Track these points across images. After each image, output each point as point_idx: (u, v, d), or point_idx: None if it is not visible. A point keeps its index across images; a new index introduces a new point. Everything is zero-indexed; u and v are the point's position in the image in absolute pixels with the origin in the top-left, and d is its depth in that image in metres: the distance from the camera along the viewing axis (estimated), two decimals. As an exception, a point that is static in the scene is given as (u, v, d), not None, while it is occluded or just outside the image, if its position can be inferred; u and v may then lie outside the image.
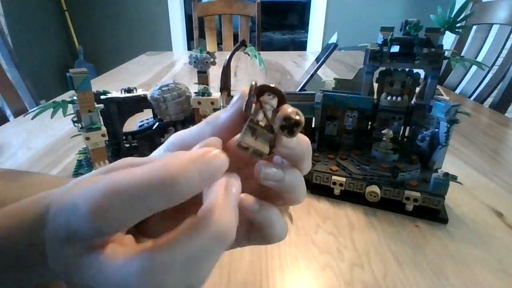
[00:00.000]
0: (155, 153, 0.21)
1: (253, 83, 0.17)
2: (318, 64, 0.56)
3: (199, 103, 0.51)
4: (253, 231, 0.20)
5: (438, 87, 0.47)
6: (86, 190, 0.14)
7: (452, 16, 0.42)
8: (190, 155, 0.14)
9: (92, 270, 0.14)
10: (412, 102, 0.47)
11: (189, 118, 0.53)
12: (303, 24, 4.46)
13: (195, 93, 0.52)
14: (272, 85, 0.17)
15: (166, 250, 0.14)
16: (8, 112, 0.96)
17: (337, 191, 0.46)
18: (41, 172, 0.53)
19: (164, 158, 0.14)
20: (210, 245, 0.14)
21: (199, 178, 0.14)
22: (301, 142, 0.18)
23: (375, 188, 0.43)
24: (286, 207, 0.22)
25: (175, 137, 0.20)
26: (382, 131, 0.45)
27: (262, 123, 0.17)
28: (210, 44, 1.80)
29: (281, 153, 0.18)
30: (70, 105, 0.45)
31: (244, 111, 0.17)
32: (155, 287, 0.13)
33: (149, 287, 0.13)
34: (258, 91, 0.17)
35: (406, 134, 0.50)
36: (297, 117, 0.16)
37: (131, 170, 0.14)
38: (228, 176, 0.16)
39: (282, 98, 0.18)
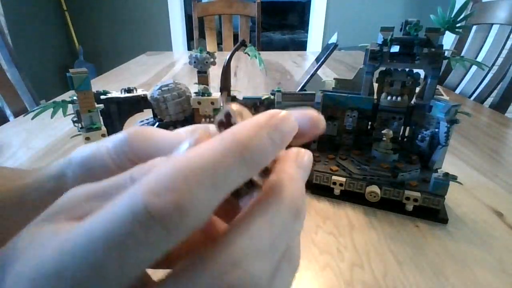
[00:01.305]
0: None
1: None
2: (318, 64, 0.56)
3: (199, 103, 0.51)
4: None
5: (438, 87, 0.47)
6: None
7: (452, 16, 0.42)
8: (256, 120, 0.12)
9: None
10: (412, 102, 0.47)
11: (189, 118, 0.53)
12: (303, 24, 4.46)
13: (195, 93, 0.52)
14: None
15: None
16: (8, 112, 0.96)
17: (337, 191, 0.46)
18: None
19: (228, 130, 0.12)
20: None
21: (270, 143, 0.12)
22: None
23: (375, 188, 0.43)
24: None
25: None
26: (382, 131, 0.45)
27: None
28: (210, 44, 1.80)
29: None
30: (70, 105, 0.45)
31: None
32: None
33: None
34: None
35: (406, 134, 0.50)
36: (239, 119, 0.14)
37: (194, 150, 0.11)
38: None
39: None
